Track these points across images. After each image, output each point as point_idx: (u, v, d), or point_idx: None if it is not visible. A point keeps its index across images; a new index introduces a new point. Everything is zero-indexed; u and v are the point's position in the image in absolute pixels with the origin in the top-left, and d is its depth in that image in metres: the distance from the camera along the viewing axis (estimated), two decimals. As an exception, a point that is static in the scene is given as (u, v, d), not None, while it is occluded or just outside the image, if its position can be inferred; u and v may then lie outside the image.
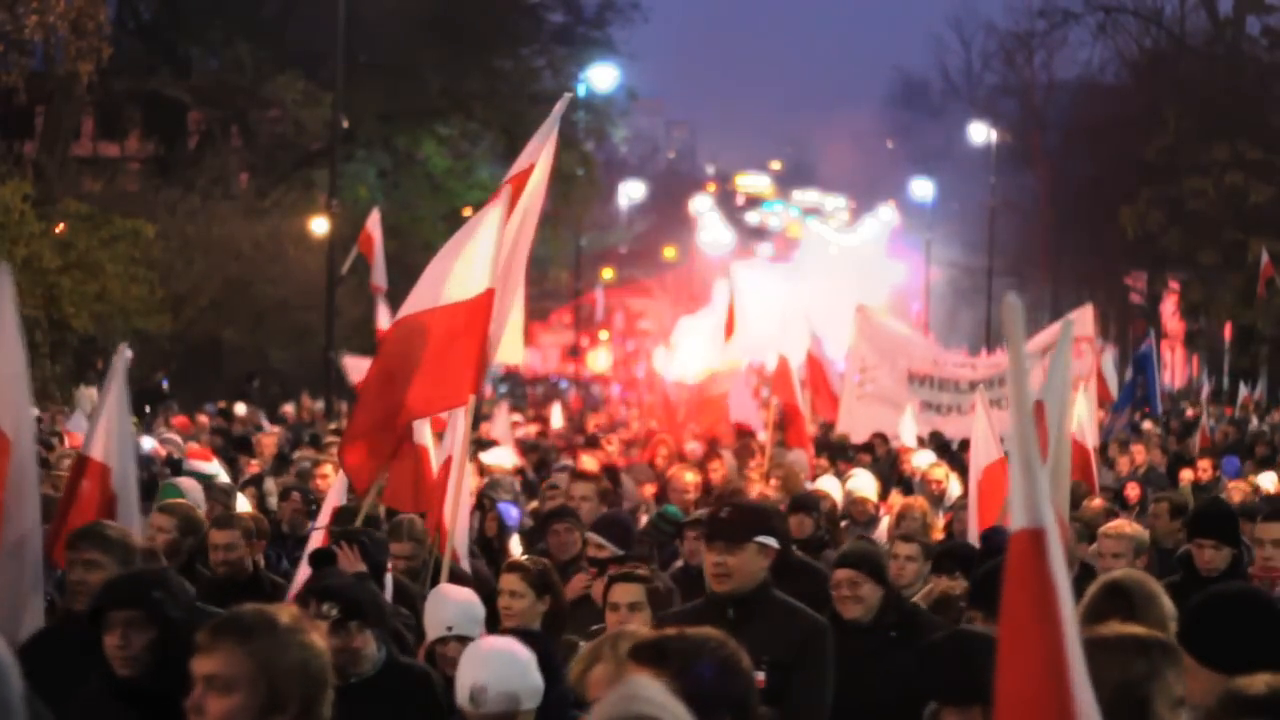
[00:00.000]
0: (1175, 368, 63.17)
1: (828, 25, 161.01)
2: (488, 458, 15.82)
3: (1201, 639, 4.27)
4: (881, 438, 19.71)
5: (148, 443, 16.86)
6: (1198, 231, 51.93)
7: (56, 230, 31.62)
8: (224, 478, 12.91)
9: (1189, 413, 35.05)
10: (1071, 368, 9.28)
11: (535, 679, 5.56)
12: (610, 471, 14.40)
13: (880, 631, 7.41)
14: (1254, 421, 30.78)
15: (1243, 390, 36.27)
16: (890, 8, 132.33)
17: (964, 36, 74.18)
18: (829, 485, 13.39)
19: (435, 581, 8.13)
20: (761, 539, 6.61)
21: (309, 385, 36.00)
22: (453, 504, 8.65)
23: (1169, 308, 59.82)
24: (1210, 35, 57.10)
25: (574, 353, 65.73)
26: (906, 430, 18.82)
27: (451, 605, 6.98)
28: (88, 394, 30.67)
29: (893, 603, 7.60)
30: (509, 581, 7.42)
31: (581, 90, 49.14)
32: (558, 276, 64.35)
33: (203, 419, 24.50)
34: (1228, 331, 48.15)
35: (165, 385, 35.48)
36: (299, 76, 39.15)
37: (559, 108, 9.18)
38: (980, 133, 65.70)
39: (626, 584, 7.36)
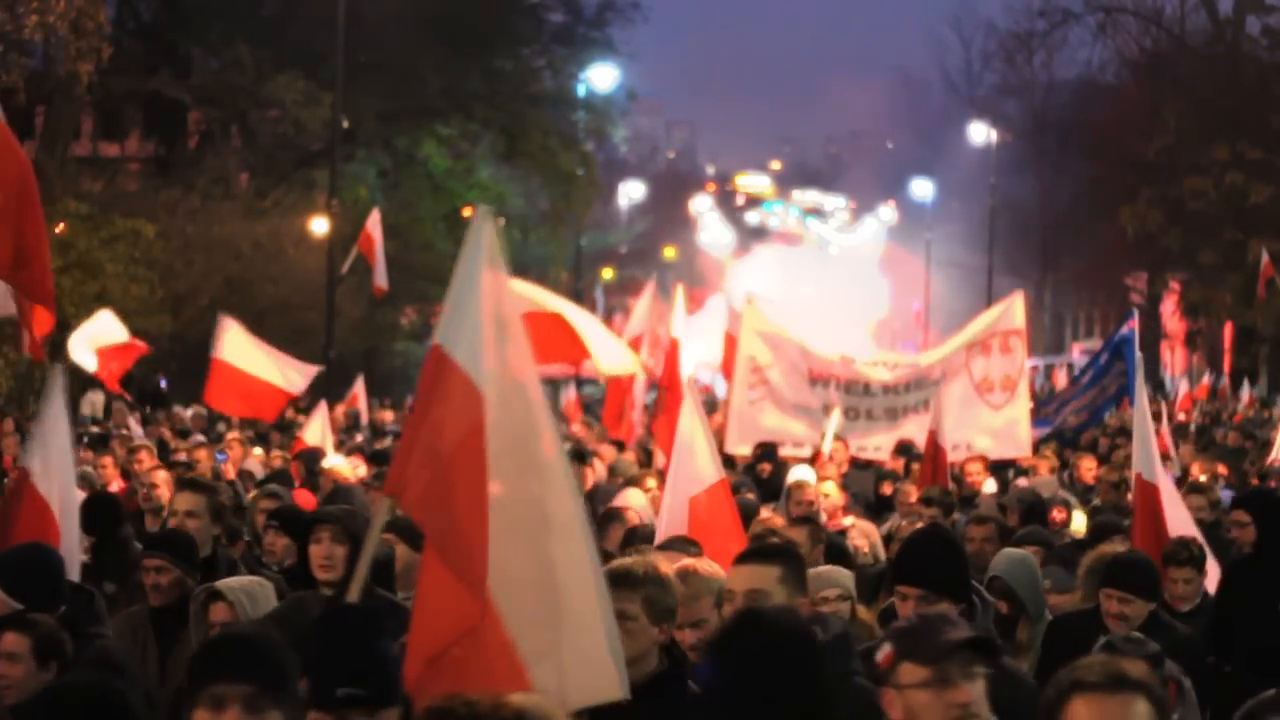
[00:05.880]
0: (1175, 367, 63.13)
1: (828, 25, 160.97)
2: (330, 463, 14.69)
3: None
4: (768, 448, 16.49)
5: None
6: (1198, 231, 51.90)
7: (56, 230, 31.56)
8: None
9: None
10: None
11: None
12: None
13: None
14: None
15: (1246, 391, 35.20)
16: (890, 8, 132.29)
17: (964, 36, 74.33)
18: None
19: None
20: None
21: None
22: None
23: (1169, 308, 59.78)
24: (1210, 35, 57.05)
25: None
26: (826, 441, 16.31)
27: None
28: (90, 399, 30.67)
29: None
30: (6, 643, 5.84)
31: (581, 90, 49.13)
32: (558, 277, 64.30)
33: (7, 424, 19.62)
34: (1228, 331, 48.09)
35: (164, 385, 35.41)
36: (299, 76, 39.08)
37: None
38: (980, 133, 65.72)
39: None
